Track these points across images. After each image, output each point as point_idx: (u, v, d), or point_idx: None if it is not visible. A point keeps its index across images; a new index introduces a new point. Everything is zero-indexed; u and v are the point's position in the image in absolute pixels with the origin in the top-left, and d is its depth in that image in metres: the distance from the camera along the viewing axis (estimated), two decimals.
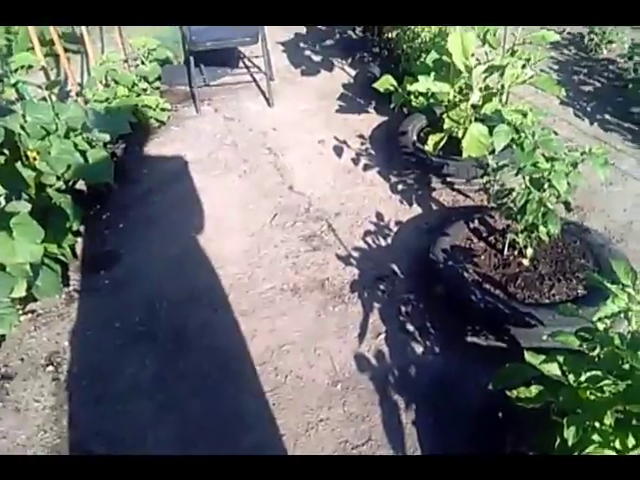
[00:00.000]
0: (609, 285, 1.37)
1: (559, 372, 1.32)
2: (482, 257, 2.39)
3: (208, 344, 2.31)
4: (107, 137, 3.03)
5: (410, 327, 2.30)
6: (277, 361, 2.21)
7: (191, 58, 4.07)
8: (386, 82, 3.60)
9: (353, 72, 4.56)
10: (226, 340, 2.33)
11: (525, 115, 2.16)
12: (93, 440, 1.99)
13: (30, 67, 4.16)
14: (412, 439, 1.89)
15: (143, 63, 4.08)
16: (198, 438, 1.96)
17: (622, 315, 1.36)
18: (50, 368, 2.25)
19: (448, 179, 3.03)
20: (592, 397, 1.25)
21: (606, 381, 1.18)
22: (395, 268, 2.61)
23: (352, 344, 2.26)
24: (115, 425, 2.04)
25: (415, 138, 3.25)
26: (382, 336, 2.28)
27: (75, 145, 2.80)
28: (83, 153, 2.80)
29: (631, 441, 1.15)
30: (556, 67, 4.38)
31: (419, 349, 2.20)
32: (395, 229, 2.87)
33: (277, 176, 3.36)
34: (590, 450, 1.16)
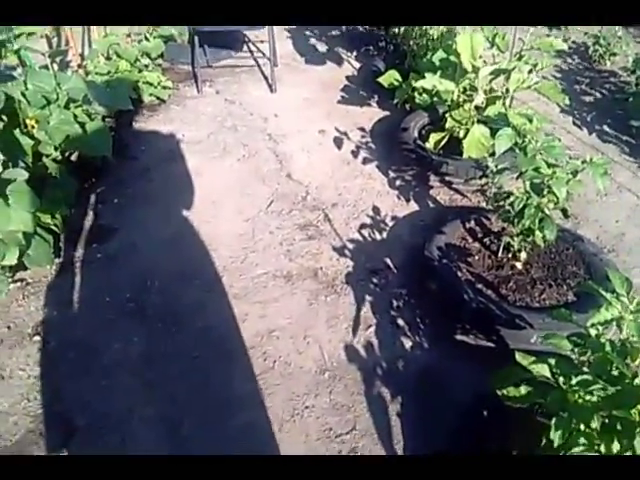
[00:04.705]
0: (604, 293, 1.39)
1: (549, 374, 1.35)
2: (476, 257, 2.41)
3: (199, 325, 2.30)
4: (107, 111, 3.00)
5: (400, 321, 2.32)
6: (266, 346, 2.22)
7: (196, 38, 4.04)
8: (391, 77, 3.61)
9: (357, 65, 4.56)
10: (217, 322, 2.32)
11: (531, 120, 2.17)
12: (76, 413, 1.98)
13: (31, 34, 4.09)
14: (396, 431, 1.91)
15: (147, 39, 4.04)
16: (184, 418, 1.96)
17: (614, 323, 1.38)
18: (37, 338, 2.23)
19: (447, 178, 3.05)
20: (580, 400, 1.27)
21: (596, 385, 1.20)
22: (389, 262, 2.62)
23: (342, 334, 2.27)
24: (99, 400, 2.03)
25: (416, 135, 3.26)
26: (372, 328, 2.29)
27: (75, 116, 2.77)
28: (82, 125, 2.77)
29: (616, 446, 1.18)
30: (559, 75, 4.41)
31: (408, 343, 2.22)
32: (391, 224, 2.88)
33: (276, 163, 3.35)
34: (575, 452, 1.19)
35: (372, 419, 1.96)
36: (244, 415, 1.97)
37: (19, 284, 2.47)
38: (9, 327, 2.28)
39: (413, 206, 3.02)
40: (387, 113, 3.84)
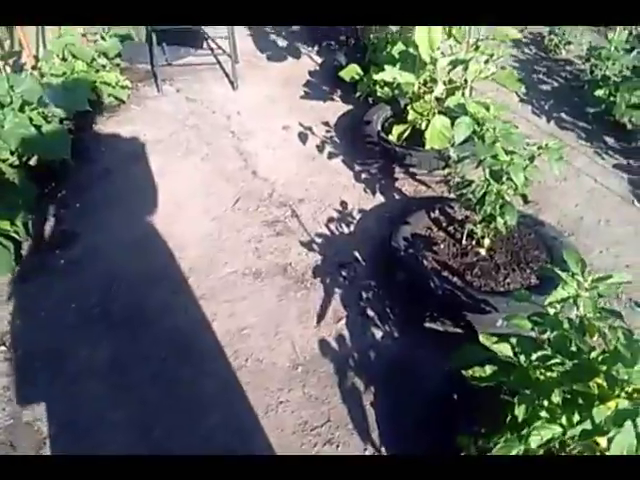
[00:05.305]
0: (560, 273, 1.44)
1: (511, 353, 1.38)
2: (441, 246, 2.45)
3: (166, 327, 2.28)
4: (64, 113, 2.93)
5: (370, 312, 2.34)
6: (237, 344, 2.21)
7: (153, 36, 3.97)
8: (352, 71, 3.63)
9: (319, 59, 4.57)
10: (185, 323, 2.30)
11: (488, 108, 2.21)
12: (46, 422, 1.94)
13: None
14: (370, 420, 1.93)
15: (103, 38, 3.95)
16: (155, 421, 1.94)
17: (571, 301, 1.43)
18: (2, 348, 2.18)
19: (411, 169, 3.09)
20: (541, 377, 1.31)
21: (554, 360, 1.24)
22: (357, 255, 2.64)
23: (313, 328, 2.28)
24: (69, 407, 1.99)
25: (379, 128, 3.29)
26: (343, 321, 2.31)
27: (30, 119, 2.70)
28: (38, 128, 2.71)
29: (576, 417, 1.22)
30: (517, 65, 4.51)
31: (379, 334, 2.25)
32: (358, 217, 2.90)
33: (240, 161, 3.33)
34: (537, 425, 1.22)
35: (346, 410, 1.98)
36: (216, 415, 1.96)
37: None
38: None
39: (379, 198, 3.05)
40: (350, 107, 3.86)
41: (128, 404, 2.00)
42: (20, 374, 2.09)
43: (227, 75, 4.24)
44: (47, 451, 1.85)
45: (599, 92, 3.59)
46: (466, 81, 3.01)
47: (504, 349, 1.39)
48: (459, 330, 2.17)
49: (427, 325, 2.24)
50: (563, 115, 3.81)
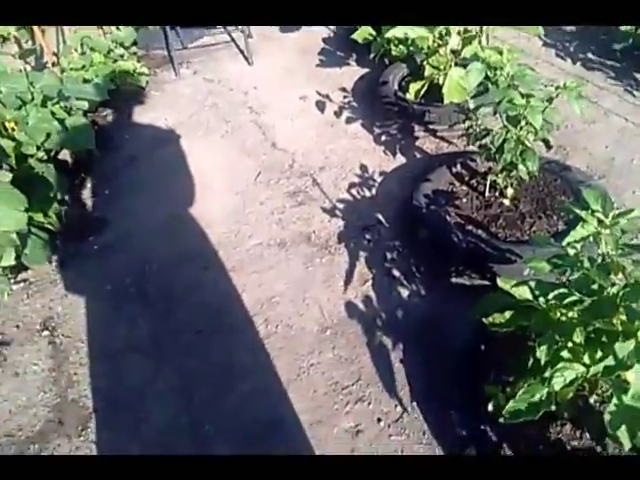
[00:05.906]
0: (578, 211, 1.39)
1: (530, 295, 1.36)
2: (464, 200, 2.41)
3: (199, 301, 2.35)
4: (85, 104, 3.00)
5: (396, 272, 2.34)
6: (267, 312, 2.26)
7: None
8: (365, 32, 3.56)
9: (333, 26, 4.48)
10: (216, 296, 2.36)
11: (501, 53, 2.13)
12: (91, 397, 2.04)
13: (4, 40, 4.10)
14: (400, 377, 1.95)
15: (118, 28, 4.00)
16: (194, 389, 2.02)
17: (592, 239, 1.39)
18: (46, 333, 2.29)
19: (430, 126, 3.03)
20: (562, 318, 1.29)
21: (572, 297, 1.21)
22: (380, 217, 2.63)
23: (340, 292, 2.30)
24: (112, 382, 2.09)
25: (396, 87, 3.23)
26: (369, 282, 2.32)
27: (53, 113, 2.77)
28: (62, 121, 2.78)
29: (599, 355, 1.20)
30: None
31: (405, 292, 2.25)
32: (379, 180, 2.88)
33: (259, 134, 3.34)
34: (560, 366, 1.21)
35: (376, 369, 2.00)
36: (251, 379, 2.02)
37: (22, 284, 2.52)
38: (18, 326, 2.35)
39: (400, 159, 3.01)
40: (366, 70, 3.80)
41: (168, 376, 2.08)
42: (64, 355, 2.20)
43: (242, 52, 4.23)
44: (94, 424, 1.95)
45: (625, 26, 3.39)
46: (481, 29, 2.90)
47: (523, 292, 1.37)
48: (486, 282, 2.14)
49: (454, 280, 2.22)
50: (590, 55, 3.64)
